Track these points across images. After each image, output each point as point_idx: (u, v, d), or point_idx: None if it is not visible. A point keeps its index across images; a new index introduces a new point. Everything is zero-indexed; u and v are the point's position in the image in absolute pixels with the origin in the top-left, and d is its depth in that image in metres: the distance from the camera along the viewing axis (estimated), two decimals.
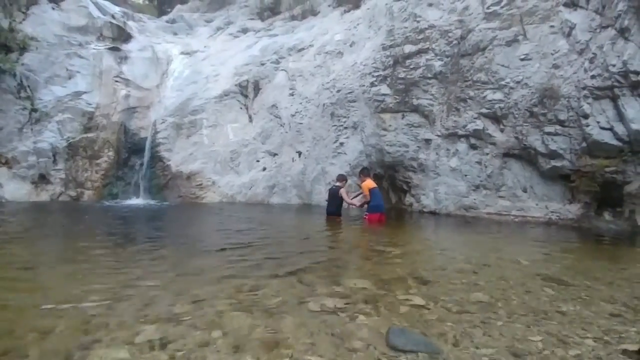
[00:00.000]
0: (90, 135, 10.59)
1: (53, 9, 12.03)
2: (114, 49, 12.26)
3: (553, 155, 7.61)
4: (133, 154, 10.96)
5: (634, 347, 1.96)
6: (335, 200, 7.47)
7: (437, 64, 9.25)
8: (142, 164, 10.80)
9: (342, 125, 10.52)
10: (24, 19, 11.20)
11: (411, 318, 2.36)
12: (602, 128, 7.08)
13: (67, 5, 12.32)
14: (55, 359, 1.78)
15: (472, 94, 8.67)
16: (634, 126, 6.69)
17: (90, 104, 10.89)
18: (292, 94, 11.57)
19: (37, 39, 10.85)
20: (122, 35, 13.04)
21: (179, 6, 19.78)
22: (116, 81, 11.64)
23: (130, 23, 14.13)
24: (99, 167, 10.48)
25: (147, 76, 12.26)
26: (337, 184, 7.61)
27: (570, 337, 2.15)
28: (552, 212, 7.74)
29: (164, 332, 2.05)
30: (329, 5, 14.17)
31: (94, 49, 11.84)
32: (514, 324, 2.31)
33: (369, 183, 7.28)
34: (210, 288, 2.88)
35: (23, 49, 10.57)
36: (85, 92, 10.98)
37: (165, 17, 17.84)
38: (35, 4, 11.73)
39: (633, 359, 1.88)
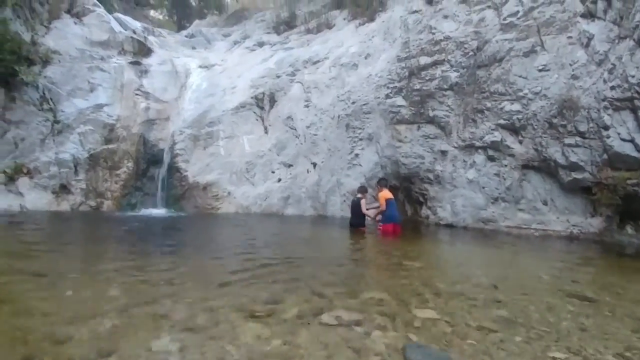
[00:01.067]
0: (110, 146, 10.86)
1: (75, 23, 12.49)
2: (134, 63, 12.63)
3: (574, 167, 7.44)
4: (151, 164, 11.18)
5: None
6: (358, 212, 7.62)
7: (453, 75, 9.21)
8: (160, 175, 11.00)
9: (357, 136, 10.53)
10: (46, 33, 11.64)
11: (428, 333, 2.32)
12: (623, 140, 6.89)
13: (89, 20, 12.79)
14: None
15: (489, 105, 8.59)
16: None
17: (111, 116, 11.19)
18: (307, 106, 11.67)
19: (60, 52, 11.25)
20: (143, 50, 13.44)
21: (197, 21, 20.38)
22: (136, 94, 11.95)
23: (150, 38, 14.57)
24: (118, 178, 10.71)
25: (166, 89, 12.56)
26: (359, 195, 7.79)
27: (592, 353, 2.08)
28: (573, 225, 7.53)
29: (180, 342, 2.06)
30: (344, 19, 14.33)
31: (115, 62, 12.22)
32: (535, 341, 2.24)
33: (386, 194, 7.37)
34: (226, 299, 2.89)
35: (46, 62, 10.96)
36: (106, 105, 11.30)
37: (184, 32, 18.36)
38: (58, 19, 12.20)
39: None
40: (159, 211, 10.31)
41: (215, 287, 3.27)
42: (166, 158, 11.13)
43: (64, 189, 10.16)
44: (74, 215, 9.23)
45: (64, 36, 11.85)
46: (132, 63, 12.55)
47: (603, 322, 2.59)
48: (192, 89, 12.72)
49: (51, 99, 10.75)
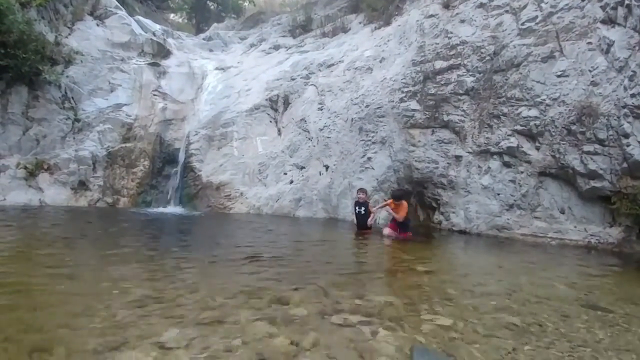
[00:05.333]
0: (128, 145, 11.09)
1: (97, 25, 12.84)
2: (153, 64, 12.90)
3: (592, 175, 7.25)
4: (167, 163, 11.37)
5: None
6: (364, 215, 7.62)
7: (469, 80, 9.11)
8: (175, 174, 11.17)
9: (370, 140, 10.50)
10: (69, 34, 11.99)
11: (436, 338, 2.29)
12: None
13: (111, 22, 13.13)
14: (82, 357, 1.85)
15: (505, 110, 8.46)
16: None
17: (129, 116, 11.44)
18: (320, 109, 11.70)
19: (82, 53, 11.58)
20: (162, 52, 13.71)
21: (215, 24, 20.66)
22: (154, 95, 12.19)
23: (169, 40, 14.87)
24: (134, 176, 10.92)
25: (183, 90, 12.78)
26: (361, 195, 7.77)
27: None
28: (591, 235, 7.34)
29: (189, 337, 2.09)
30: (360, 22, 14.35)
31: (135, 64, 12.50)
32: (547, 350, 2.19)
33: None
34: (235, 297, 2.91)
35: (68, 62, 11.30)
36: (125, 105, 11.56)
37: (202, 35, 18.65)
38: (81, 20, 12.56)
39: None
40: (173, 209, 10.47)
41: (225, 285, 3.29)
42: (181, 157, 11.30)
43: (82, 185, 10.41)
44: (91, 211, 9.44)
45: (87, 37, 12.19)
46: (151, 64, 12.83)
47: (618, 334, 2.51)
48: (207, 90, 12.92)
49: (72, 98, 11.07)
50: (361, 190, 7.99)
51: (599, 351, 2.20)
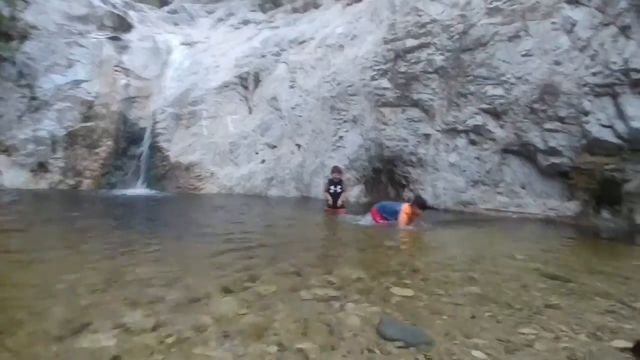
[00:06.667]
0: (89, 124, 10.55)
1: None
2: (114, 39, 12.17)
3: (552, 152, 7.59)
4: (132, 143, 10.93)
5: (627, 344, 1.95)
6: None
7: (439, 59, 9.18)
8: (141, 154, 10.78)
9: (341, 118, 10.47)
10: (25, 8, 11.12)
11: (403, 309, 2.36)
12: (602, 125, 7.05)
13: None
14: (44, 340, 1.79)
15: (472, 89, 8.63)
16: (634, 124, 6.67)
17: (89, 93, 10.84)
18: (292, 87, 11.51)
19: (38, 27, 10.80)
20: (123, 25, 12.94)
21: None
22: (116, 71, 11.57)
23: (131, 13, 14.01)
24: (97, 157, 10.45)
25: (147, 66, 12.19)
26: (335, 175, 7.51)
27: (562, 331, 2.14)
28: (550, 209, 7.73)
29: (155, 317, 2.05)
30: None
31: (94, 38, 11.76)
32: (507, 317, 2.31)
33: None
34: (203, 276, 2.88)
35: (24, 37, 10.53)
36: (84, 81, 10.93)
37: (166, 8, 17.67)
38: None
39: (626, 355, 1.87)
40: (140, 191, 10.16)
41: (191, 265, 3.25)
42: (147, 137, 10.89)
43: (41, 167, 9.89)
44: (51, 194, 9.01)
45: (43, 11, 11.33)
46: (111, 38, 12.10)
47: (576, 301, 2.66)
48: (174, 66, 12.38)
49: (29, 75, 10.36)
50: (336, 168, 7.72)
51: (556, 318, 2.34)
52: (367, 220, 6.38)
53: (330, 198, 7.45)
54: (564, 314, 2.40)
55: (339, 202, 7.43)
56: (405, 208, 6.04)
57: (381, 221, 6.20)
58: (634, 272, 3.63)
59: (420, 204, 6.09)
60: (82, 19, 12.04)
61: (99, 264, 3.15)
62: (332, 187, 7.49)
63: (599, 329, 2.19)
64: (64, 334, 1.85)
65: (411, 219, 5.99)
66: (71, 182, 10.06)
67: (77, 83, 10.81)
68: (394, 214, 6.10)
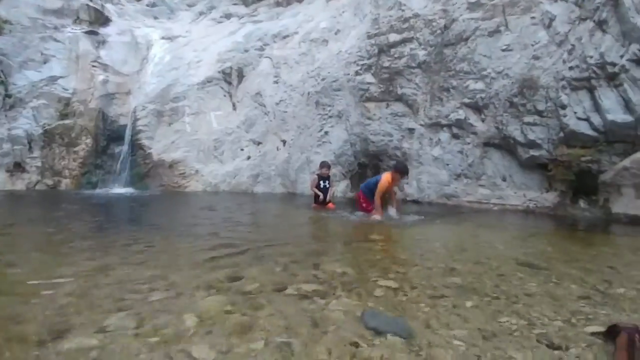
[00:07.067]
0: (66, 122, 10.30)
1: None
2: (91, 33, 11.88)
3: (531, 144, 7.77)
4: (112, 141, 10.72)
5: (601, 329, 2.03)
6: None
7: (421, 54, 9.27)
8: (121, 152, 10.57)
9: (326, 114, 10.48)
10: None
11: (386, 301, 2.40)
12: (579, 118, 7.25)
13: None
14: (23, 345, 1.75)
15: (454, 83, 8.74)
16: (610, 117, 6.87)
17: (66, 90, 10.57)
18: (276, 82, 11.44)
19: (11, 22, 10.45)
20: (100, 19, 12.63)
21: None
22: (93, 66, 11.30)
23: (108, 6, 13.67)
24: (76, 155, 10.22)
25: (126, 61, 11.94)
26: (324, 170, 7.54)
27: (539, 318, 2.21)
28: (529, 200, 7.93)
29: (138, 318, 2.04)
30: None
31: (69, 32, 11.45)
32: (486, 306, 2.37)
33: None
34: (186, 274, 2.86)
35: None
36: (60, 77, 10.65)
37: (145, 1, 17.24)
38: None
39: (599, 339, 1.95)
40: (121, 190, 9.98)
41: (175, 264, 3.23)
42: (128, 135, 10.69)
43: (18, 167, 9.63)
44: (29, 195, 8.78)
45: (16, 4, 10.98)
46: (88, 33, 11.81)
47: (552, 289, 2.75)
48: (154, 61, 12.17)
49: (2, 71, 10.02)
50: (325, 164, 7.71)
51: (533, 305, 2.41)
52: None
53: (320, 194, 7.48)
54: (540, 302, 2.47)
55: (327, 198, 7.48)
56: (385, 176, 6.21)
57: (365, 204, 6.46)
58: (608, 260, 3.76)
59: (399, 169, 6.23)
60: (57, 12, 11.71)
61: (80, 265, 3.09)
62: (321, 183, 7.52)
63: (573, 314, 2.27)
64: (45, 338, 1.82)
65: (391, 185, 6.19)
66: (49, 182, 9.82)
67: (52, 79, 10.53)
68: (376, 184, 6.21)
